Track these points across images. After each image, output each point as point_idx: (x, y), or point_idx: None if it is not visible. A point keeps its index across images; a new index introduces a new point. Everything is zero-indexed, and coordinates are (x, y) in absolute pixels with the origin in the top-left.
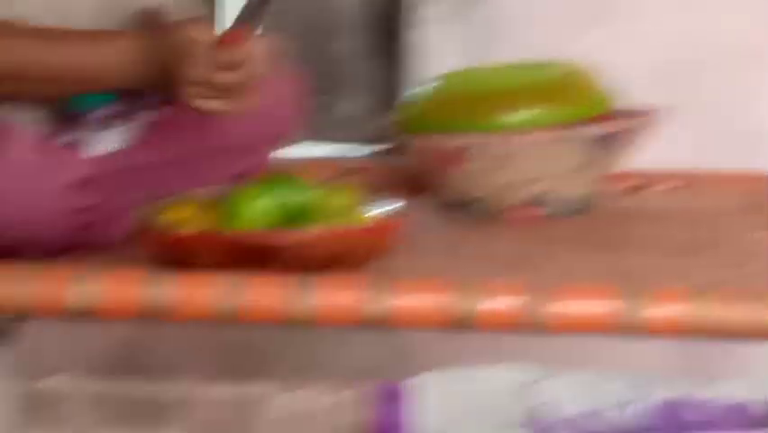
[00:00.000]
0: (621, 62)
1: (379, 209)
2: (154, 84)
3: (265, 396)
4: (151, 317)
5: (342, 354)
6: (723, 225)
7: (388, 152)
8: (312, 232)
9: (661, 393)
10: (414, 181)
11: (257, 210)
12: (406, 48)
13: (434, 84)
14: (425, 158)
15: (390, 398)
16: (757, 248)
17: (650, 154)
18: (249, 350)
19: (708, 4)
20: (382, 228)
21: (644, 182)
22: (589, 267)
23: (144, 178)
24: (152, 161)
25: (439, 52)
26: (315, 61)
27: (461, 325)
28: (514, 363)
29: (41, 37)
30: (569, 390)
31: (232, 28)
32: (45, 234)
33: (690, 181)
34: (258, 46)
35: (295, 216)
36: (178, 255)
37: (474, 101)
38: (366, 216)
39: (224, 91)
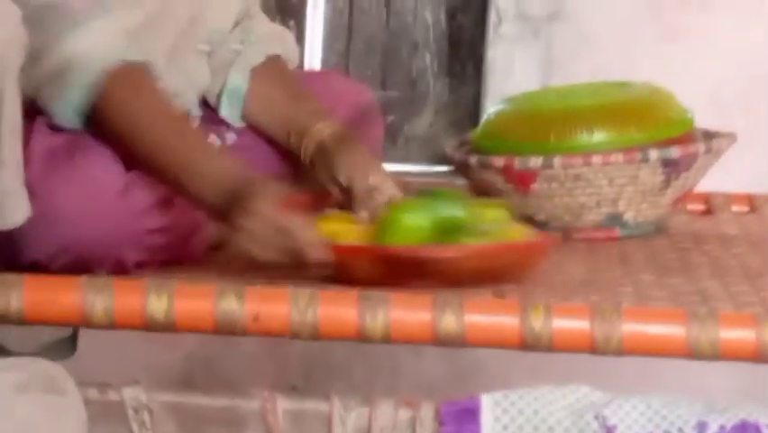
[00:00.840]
0: (693, 80)
1: None
2: (214, 211)
3: (340, 410)
4: (227, 332)
5: (413, 369)
6: None
7: (461, 171)
8: (469, 247)
9: (739, 416)
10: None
11: (414, 225)
12: (484, 67)
13: (511, 104)
14: (500, 178)
15: (460, 415)
16: None
17: (714, 177)
18: (314, 364)
19: None
20: (532, 246)
21: (711, 205)
22: (661, 289)
23: None
24: None
25: (516, 71)
26: (393, 80)
27: (532, 345)
28: (583, 384)
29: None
30: (640, 412)
31: (298, 194)
32: (122, 254)
33: (754, 206)
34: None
35: (449, 231)
36: (335, 267)
37: (550, 121)
38: (515, 233)
39: (265, 246)
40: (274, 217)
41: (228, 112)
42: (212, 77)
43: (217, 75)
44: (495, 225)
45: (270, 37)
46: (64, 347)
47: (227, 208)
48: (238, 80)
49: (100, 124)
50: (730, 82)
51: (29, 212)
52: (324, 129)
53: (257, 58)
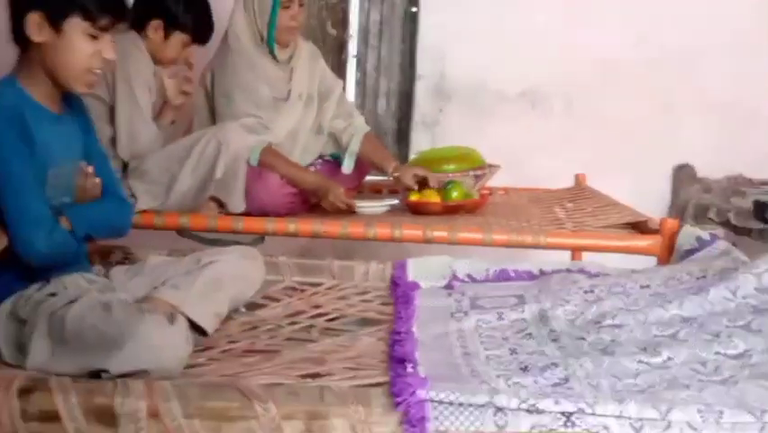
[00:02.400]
0: (617, 48)
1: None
2: (312, 192)
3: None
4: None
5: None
6: None
7: None
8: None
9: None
10: None
11: (456, 191)
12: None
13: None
14: None
15: (400, 267)
16: None
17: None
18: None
19: None
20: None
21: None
22: None
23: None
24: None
25: None
26: None
27: None
28: None
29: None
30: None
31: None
32: (279, 211)
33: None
34: None
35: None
36: (416, 211)
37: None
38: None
39: (333, 205)
40: (342, 195)
41: (346, 164)
42: (336, 140)
43: (340, 139)
44: (464, 191)
45: (359, 116)
46: (258, 240)
47: (319, 191)
48: (355, 146)
49: (268, 167)
50: (655, 48)
51: (244, 205)
52: (396, 165)
53: (361, 131)
